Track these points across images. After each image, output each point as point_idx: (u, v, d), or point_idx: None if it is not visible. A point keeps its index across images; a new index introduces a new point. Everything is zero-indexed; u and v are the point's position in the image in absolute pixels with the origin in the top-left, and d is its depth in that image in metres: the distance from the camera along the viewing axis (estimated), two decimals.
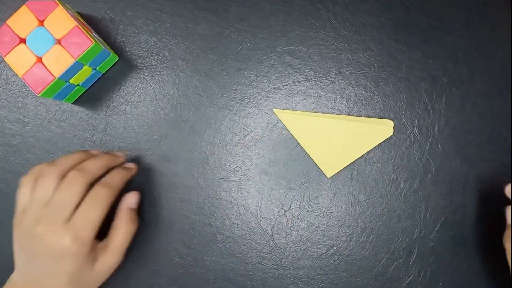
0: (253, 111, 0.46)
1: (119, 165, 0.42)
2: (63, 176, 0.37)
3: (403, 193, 0.45)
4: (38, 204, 0.36)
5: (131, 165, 0.42)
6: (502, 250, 0.45)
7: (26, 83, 0.42)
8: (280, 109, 0.46)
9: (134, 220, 0.40)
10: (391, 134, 0.45)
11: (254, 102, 0.46)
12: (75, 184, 0.36)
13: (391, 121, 0.45)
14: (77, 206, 0.36)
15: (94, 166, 0.38)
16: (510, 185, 0.40)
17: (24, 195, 0.38)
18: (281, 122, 0.46)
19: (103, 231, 0.39)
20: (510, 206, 0.40)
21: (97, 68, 0.44)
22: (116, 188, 0.38)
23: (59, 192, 0.36)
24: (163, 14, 0.46)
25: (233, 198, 0.46)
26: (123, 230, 0.39)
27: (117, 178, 0.39)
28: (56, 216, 0.35)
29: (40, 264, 0.36)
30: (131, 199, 0.41)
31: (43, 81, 0.40)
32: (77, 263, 0.35)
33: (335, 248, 0.46)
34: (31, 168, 0.39)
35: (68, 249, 0.35)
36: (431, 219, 0.45)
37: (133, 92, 0.46)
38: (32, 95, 0.46)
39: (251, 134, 0.46)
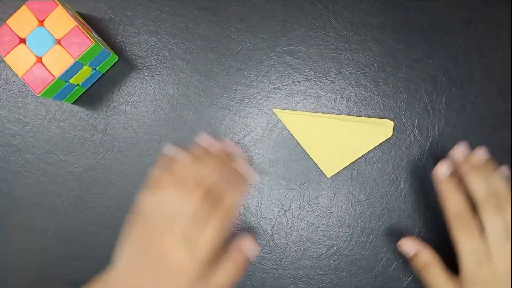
0: (253, 111, 0.46)
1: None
2: (205, 192, 0.35)
3: (403, 193, 0.45)
4: (184, 218, 0.35)
5: (252, 175, 0.39)
6: None
7: (26, 83, 0.42)
8: (280, 109, 0.46)
9: (244, 271, 0.37)
10: (390, 134, 0.45)
11: (254, 102, 0.46)
12: (214, 222, 0.35)
13: (391, 121, 0.45)
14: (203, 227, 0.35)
15: (230, 201, 0.36)
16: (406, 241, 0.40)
17: (167, 201, 0.36)
18: (281, 122, 0.46)
19: None
20: (404, 240, 0.40)
21: (97, 68, 0.44)
22: (232, 207, 0.36)
23: (195, 217, 0.34)
24: (163, 14, 0.46)
25: None
26: (230, 276, 0.36)
27: (231, 194, 0.37)
28: (175, 227, 0.34)
29: (148, 270, 0.34)
30: (254, 252, 0.37)
31: (43, 81, 0.40)
32: (183, 278, 0.34)
33: (335, 248, 0.46)
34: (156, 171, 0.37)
35: (179, 259, 0.34)
36: (431, 219, 0.45)
37: (133, 92, 0.46)
38: (32, 95, 0.46)
39: (251, 134, 0.46)
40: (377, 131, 0.45)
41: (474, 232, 0.36)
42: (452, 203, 0.38)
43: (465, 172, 0.38)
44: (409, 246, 0.40)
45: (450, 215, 0.38)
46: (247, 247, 0.37)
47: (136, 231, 0.36)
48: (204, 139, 0.40)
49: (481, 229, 0.36)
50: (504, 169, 0.39)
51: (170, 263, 0.34)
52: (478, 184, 0.37)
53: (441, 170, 0.39)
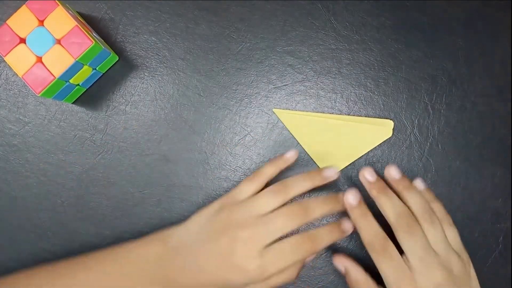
0: (253, 111, 0.46)
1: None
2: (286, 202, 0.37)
3: None
4: (254, 212, 0.36)
5: (349, 227, 0.39)
6: (502, 250, 0.45)
7: (26, 83, 0.42)
8: (280, 109, 0.46)
9: (298, 273, 0.38)
10: (390, 134, 0.45)
11: (254, 102, 0.46)
12: (294, 220, 0.36)
13: (391, 121, 0.45)
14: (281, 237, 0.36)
15: (319, 210, 0.37)
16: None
17: (249, 190, 0.38)
18: (281, 122, 0.46)
19: None
20: (336, 257, 0.40)
21: (97, 68, 0.44)
22: (320, 248, 0.37)
23: (277, 216, 0.36)
24: (163, 14, 0.46)
25: None
26: (284, 276, 0.37)
27: (326, 239, 0.37)
28: (260, 238, 0.35)
29: (211, 253, 0.36)
30: (310, 258, 0.40)
31: (43, 81, 0.40)
32: (240, 280, 0.36)
33: (335, 248, 0.46)
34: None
35: (248, 271, 0.35)
36: None
37: (133, 92, 0.46)
38: (32, 95, 0.46)
39: (251, 134, 0.46)
40: (377, 131, 0.45)
41: (391, 255, 0.36)
42: (365, 230, 0.37)
43: (375, 196, 0.38)
44: (338, 264, 0.40)
45: (365, 238, 0.37)
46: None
47: (222, 211, 0.38)
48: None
49: (398, 252, 0.36)
50: (419, 182, 0.40)
51: (235, 260, 0.35)
52: (387, 208, 0.37)
53: (347, 200, 0.38)
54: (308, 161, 0.46)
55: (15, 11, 0.40)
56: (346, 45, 0.46)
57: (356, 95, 0.46)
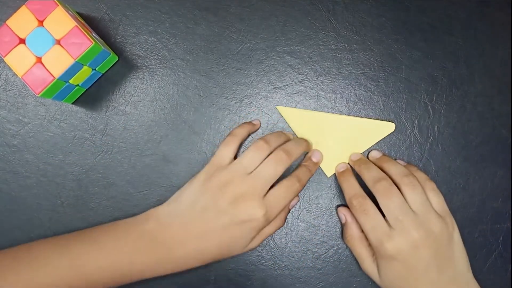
0: (253, 111, 0.46)
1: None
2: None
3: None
4: (242, 170, 0.39)
5: (318, 156, 0.44)
6: (502, 250, 0.45)
7: (26, 84, 0.42)
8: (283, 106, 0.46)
9: (285, 220, 0.43)
10: (392, 129, 0.45)
11: (254, 102, 0.46)
12: (280, 164, 0.39)
13: (393, 123, 0.45)
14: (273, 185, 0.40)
15: (297, 151, 0.41)
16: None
17: (226, 152, 0.41)
18: (281, 123, 0.46)
19: None
20: (341, 207, 0.45)
21: (96, 68, 0.44)
22: (304, 184, 0.41)
23: (265, 166, 0.39)
24: (163, 14, 0.46)
25: None
26: (276, 224, 0.41)
27: (307, 175, 0.42)
28: (258, 187, 0.38)
29: (216, 215, 0.38)
30: (294, 202, 0.44)
31: (43, 82, 0.40)
32: (250, 235, 0.38)
33: (335, 248, 0.46)
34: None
35: (256, 220, 0.38)
36: None
37: (133, 92, 0.46)
38: (32, 95, 0.46)
39: (251, 134, 0.46)
40: (378, 126, 0.45)
41: (369, 211, 0.40)
42: (346, 187, 0.42)
43: (358, 170, 0.43)
44: (341, 215, 0.44)
45: (347, 198, 0.42)
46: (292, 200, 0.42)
47: (211, 179, 0.39)
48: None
49: (377, 210, 0.40)
50: (400, 160, 0.45)
51: (242, 213, 0.37)
52: (366, 176, 0.41)
53: (337, 167, 0.45)
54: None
55: (15, 11, 0.40)
56: (346, 45, 0.46)
57: (356, 95, 0.46)
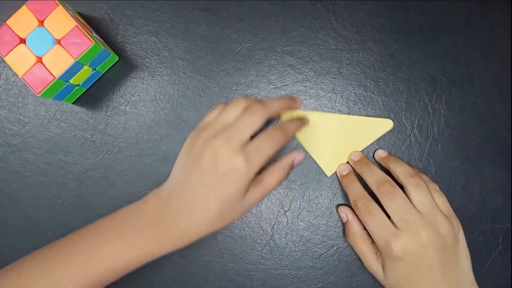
0: None
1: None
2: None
3: None
4: (220, 124, 0.38)
5: (305, 118, 0.44)
6: (502, 250, 0.45)
7: (26, 83, 0.42)
8: None
9: (288, 174, 0.42)
10: (391, 127, 0.45)
11: None
12: (257, 115, 0.38)
13: (391, 120, 0.45)
14: (252, 137, 0.38)
15: (277, 105, 0.40)
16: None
17: (211, 116, 0.41)
18: (281, 122, 0.46)
19: None
20: (341, 206, 0.45)
21: (97, 68, 0.44)
22: (290, 134, 0.40)
23: (241, 118, 0.38)
24: (163, 14, 0.46)
25: None
26: (278, 176, 0.40)
27: (292, 126, 0.41)
28: (235, 137, 0.37)
29: (200, 177, 0.37)
30: (299, 157, 0.42)
31: (43, 81, 0.40)
32: (238, 185, 0.37)
33: (335, 248, 0.46)
34: None
35: (237, 168, 0.36)
36: None
37: (133, 92, 0.46)
38: (32, 95, 0.46)
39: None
40: (377, 124, 0.45)
41: (374, 213, 0.40)
42: (351, 190, 0.43)
43: (359, 171, 0.43)
44: (342, 214, 0.45)
45: (351, 201, 0.42)
46: (295, 154, 0.42)
47: (194, 140, 0.39)
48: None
49: (382, 211, 0.40)
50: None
51: (222, 166, 0.37)
52: (369, 178, 0.42)
53: (339, 170, 0.45)
54: (309, 160, 0.46)
55: (15, 11, 0.40)
56: (346, 45, 0.46)
57: (356, 95, 0.46)
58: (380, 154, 0.45)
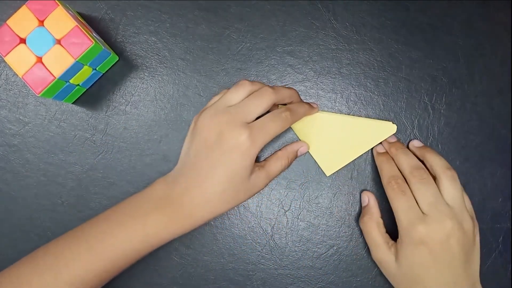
0: None
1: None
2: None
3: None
4: (224, 103, 0.39)
5: (314, 104, 0.44)
6: (502, 250, 0.45)
7: (26, 83, 0.42)
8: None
9: (291, 162, 0.43)
10: (394, 131, 0.45)
11: None
12: (265, 97, 0.38)
13: (394, 125, 0.45)
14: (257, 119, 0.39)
15: (286, 91, 0.41)
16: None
17: (214, 99, 0.41)
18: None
19: None
20: (364, 191, 0.45)
21: (97, 68, 0.44)
22: (297, 116, 0.41)
23: (248, 99, 0.38)
24: (163, 14, 0.46)
25: None
26: (282, 162, 0.42)
27: (300, 109, 0.42)
28: (239, 116, 0.37)
29: (206, 154, 0.38)
30: (303, 148, 0.44)
31: (43, 81, 0.40)
32: (243, 163, 0.37)
33: (335, 248, 0.46)
34: None
35: (241, 144, 0.37)
36: None
37: (133, 92, 0.46)
38: (32, 95, 0.46)
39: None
40: (379, 128, 0.45)
41: (405, 193, 0.40)
42: (386, 168, 0.42)
43: (393, 154, 0.43)
44: (365, 197, 0.45)
45: (385, 178, 0.42)
46: (299, 144, 0.44)
47: (197, 121, 0.39)
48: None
49: (412, 194, 0.40)
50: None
51: (227, 142, 0.37)
52: (403, 161, 0.42)
53: (377, 148, 0.45)
54: (308, 160, 0.46)
55: (15, 11, 0.40)
56: (346, 45, 0.46)
57: (356, 95, 0.46)
58: (416, 144, 0.45)
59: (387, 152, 0.44)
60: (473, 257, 0.40)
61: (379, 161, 0.44)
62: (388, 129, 0.45)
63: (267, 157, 0.43)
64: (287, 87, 0.42)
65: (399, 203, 0.40)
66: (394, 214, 0.40)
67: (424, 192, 0.39)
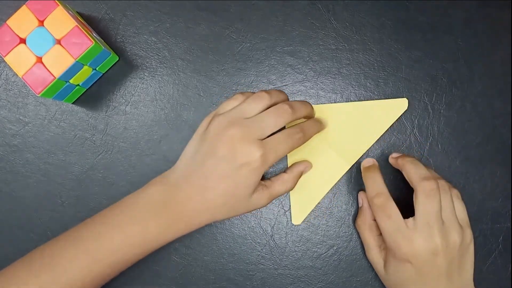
0: None
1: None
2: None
3: (403, 192, 0.45)
4: (240, 114, 0.38)
5: (325, 121, 0.44)
6: (502, 250, 0.45)
7: (26, 83, 0.42)
8: None
9: (295, 183, 0.42)
10: (406, 107, 0.44)
11: None
12: (283, 116, 0.38)
13: (405, 99, 0.44)
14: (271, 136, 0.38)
15: (303, 110, 0.40)
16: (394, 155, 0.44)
17: (229, 105, 0.39)
18: None
19: None
20: (361, 192, 0.45)
21: (97, 68, 0.44)
22: (309, 137, 0.40)
23: (266, 114, 0.38)
24: (163, 14, 0.46)
25: None
26: (287, 186, 0.41)
27: (313, 130, 0.41)
28: (254, 131, 0.37)
29: (215, 165, 0.37)
30: (308, 168, 0.44)
31: (43, 81, 0.40)
32: (250, 180, 0.37)
33: (335, 248, 0.46)
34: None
35: (253, 162, 0.36)
36: None
37: (133, 92, 0.46)
38: (32, 95, 0.46)
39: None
40: (389, 107, 0.44)
41: (390, 212, 0.39)
42: (371, 187, 0.41)
43: (401, 164, 0.41)
44: (360, 199, 0.45)
45: (369, 196, 0.40)
46: (304, 164, 0.44)
47: (209, 127, 0.38)
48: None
49: (399, 212, 0.39)
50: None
51: (240, 157, 0.36)
52: (412, 171, 0.39)
53: (363, 162, 0.43)
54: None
55: (15, 11, 0.40)
56: (346, 45, 0.46)
57: (356, 95, 0.46)
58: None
59: (375, 165, 0.43)
60: (465, 265, 0.39)
61: (365, 176, 0.42)
62: (399, 105, 0.45)
63: (272, 177, 0.41)
64: (304, 103, 0.41)
65: (383, 225, 0.39)
66: (380, 229, 0.40)
67: (428, 209, 0.38)
